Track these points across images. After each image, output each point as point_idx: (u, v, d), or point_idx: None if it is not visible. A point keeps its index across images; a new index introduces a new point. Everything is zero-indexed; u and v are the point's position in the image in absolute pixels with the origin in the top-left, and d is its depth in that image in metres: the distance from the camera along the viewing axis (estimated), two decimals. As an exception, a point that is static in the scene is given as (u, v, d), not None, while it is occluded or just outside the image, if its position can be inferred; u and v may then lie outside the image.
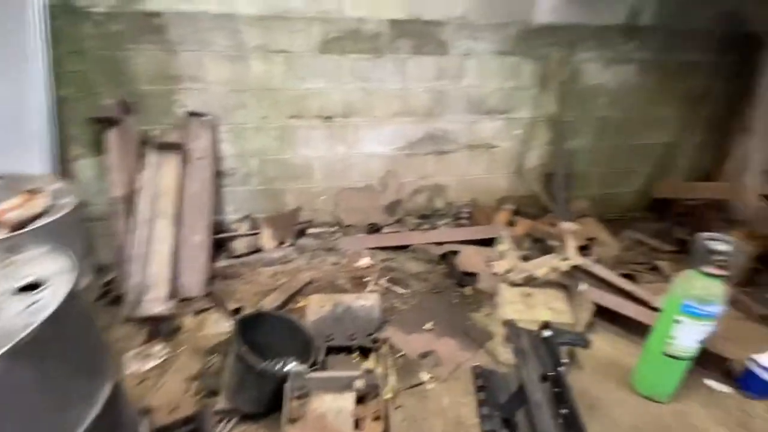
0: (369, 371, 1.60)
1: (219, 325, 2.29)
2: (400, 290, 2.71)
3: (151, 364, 2.01)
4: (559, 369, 1.51)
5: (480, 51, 3.11)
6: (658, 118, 3.68)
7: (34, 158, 2.33)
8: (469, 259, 2.94)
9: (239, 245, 3.00)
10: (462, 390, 1.95)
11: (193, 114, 2.92)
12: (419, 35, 2.99)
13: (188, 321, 2.34)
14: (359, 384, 1.59)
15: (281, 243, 3.15)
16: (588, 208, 3.67)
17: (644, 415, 1.86)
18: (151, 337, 2.16)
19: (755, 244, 2.84)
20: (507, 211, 3.60)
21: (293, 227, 3.22)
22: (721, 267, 1.60)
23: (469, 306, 2.59)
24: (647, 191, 3.97)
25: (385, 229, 3.50)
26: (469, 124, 3.39)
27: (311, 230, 3.42)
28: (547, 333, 1.62)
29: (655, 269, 3.12)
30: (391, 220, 3.58)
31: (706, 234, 1.67)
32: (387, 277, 2.83)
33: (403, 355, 2.14)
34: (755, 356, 1.96)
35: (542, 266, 2.15)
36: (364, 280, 2.81)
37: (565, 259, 2.29)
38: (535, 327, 1.95)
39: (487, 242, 3.23)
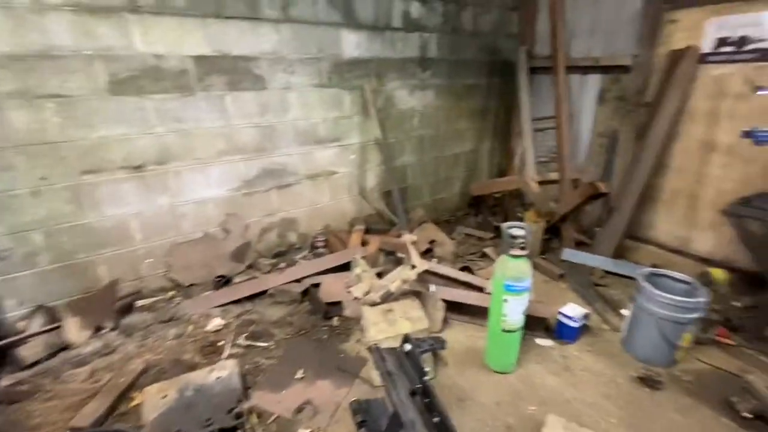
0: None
1: (6, 475, 1.64)
2: (262, 344, 2.46)
3: None
4: (424, 379, 1.57)
5: (299, 84, 3.16)
6: (458, 131, 4.42)
7: None
8: (331, 288, 2.90)
9: (31, 350, 2.25)
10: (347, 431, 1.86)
11: None
12: (232, 71, 2.85)
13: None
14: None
15: (97, 330, 2.49)
16: (424, 215, 4.11)
17: (501, 389, 2.13)
18: None
19: (542, 219, 3.65)
20: (358, 232, 3.72)
21: (111, 306, 2.60)
22: (522, 248, 1.96)
23: (338, 337, 2.53)
24: (466, 192, 4.70)
25: (236, 279, 3.17)
26: (305, 154, 3.39)
27: (140, 302, 2.83)
28: (407, 347, 1.68)
29: (484, 256, 3.70)
30: (242, 267, 3.27)
31: (506, 224, 2.03)
32: (245, 334, 2.54)
33: (276, 418, 1.93)
34: (561, 309, 2.47)
35: (394, 280, 2.26)
36: (219, 344, 2.45)
37: (413, 267, 2.47)
38: (398, 343, 2.03)
39: (346, 267, 3.26)
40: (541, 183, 3.90)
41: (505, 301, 2.03)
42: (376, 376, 2.11)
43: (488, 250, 3.69)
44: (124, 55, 2.45)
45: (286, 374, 2.20)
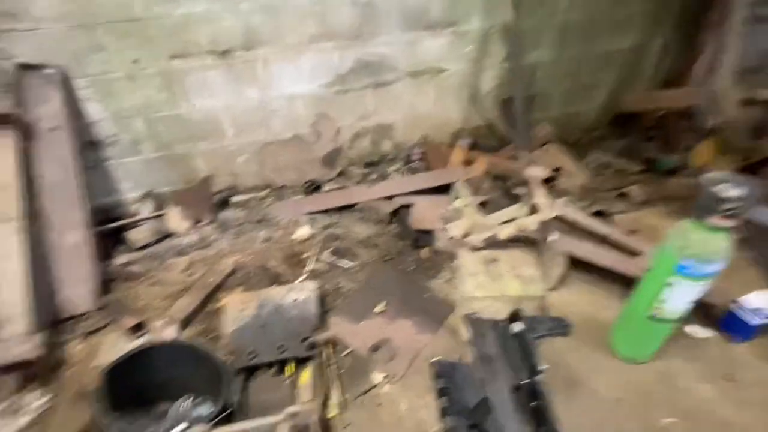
0: (294, 414, 1.22)
1: (117, 350, 1.81)
2: (346, 264, 2.28)
3: (25, 420, 1.54)
4: (535, 377, 1.18)
5: (412, -60, 2.35)
6: (623, 17, 3.14)
7: None
8: (424, 214, 2.51)
9: (141, 234, 2.40)
10: (423, 387, 1.64)
11: (27, 67, 2.10)
12: None
13: (77, 349, 1.84)
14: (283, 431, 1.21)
15: (197, 222, 2.57)
16: (551, 133, 3.25)
17: (626, 383, 1.66)
18: (24, 383, 1.66)
19: (729, 158, 2.58)
20: (463, 148, 3.12)
21: (209, 200, 2.62)
22: (729, 217, 1.24)
23: (426, 272, 2.22)
24: (611, 106, 3.57)
25: (326, 186, 2.96)
26: (409, 44, 2.72)
27: (235, 198, 2.84)
28: (517, 327, 1.27)
29: (623, 196, 2.86)
30: (332, 173, 3.03)
31: (710, 175, 1.29)
32: (330, 249, 2.38)
33: (350, 352, 1.78)
34: (739, 299, 1.75)
35: (507, 226, 1.76)
36: (303, 257, 2.35)
37: (533, 209, 1.91)
38: (502, 306, 1.62)
39: (445, 189, 2.80)
40: (746, 103, 2.67)
41: (669, 285, 1.41)
42: (464, 331, 1.79)
43: (632, 190, 2.82)
44: None
45: (367, 304, 2.01)
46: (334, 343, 1.81)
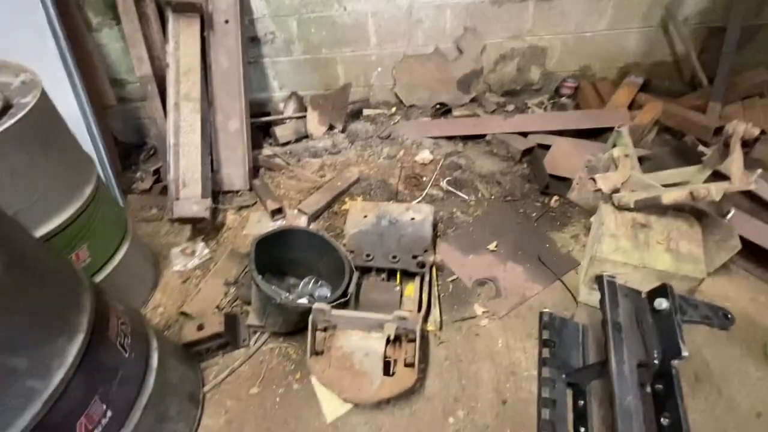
0: (403, 318, 1.31)
1: (261, 225, 2.14)
2: (463, 195, 2.23)
3: (195, 262, 1.98)
4: (672, 361, 1.04)
5: None
6: None
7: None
8: (562, 157, 2.24)
9: (284, 131, 2.65)
10: (522, 332, 1.61)
11: (209, -42, 2.27)
12: None
13: (231, 218, 2.23)
14: (390, 330, 1.32)
15: (331, 128, 2.72)
16: (766, 82, 2.45)
17: (777, 400, 1.38)
18: (195, 234, 2.10)
19: None
20: (631, 87, 2.59)
21: (344, 108, 2.72)
22: None
23: (551, 222, 2.05)
24: None
25: (456, 111, 2.81)
26: (599, -56, 2.19)
27: (366, 111, 2.89)
28: (663, 303, 1.10)
29: None
30: (466, 98, 2.84)
31: None
32: (449, 178, 2.33)
33: (455, 280, 1.81)
34: None
35: (674, 189, 1.45)
36: (423, 179, 2.35)
37: (716, 176, 1.53)
38: (641, 278, 1.42)
39: (594, 134, 2.43)
40: None
41: None
42: (584, 292, 1.65)
43: None
44: None
45: (479, 240, 1.97)
46: (441, 267, 1.85)
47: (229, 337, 1.56)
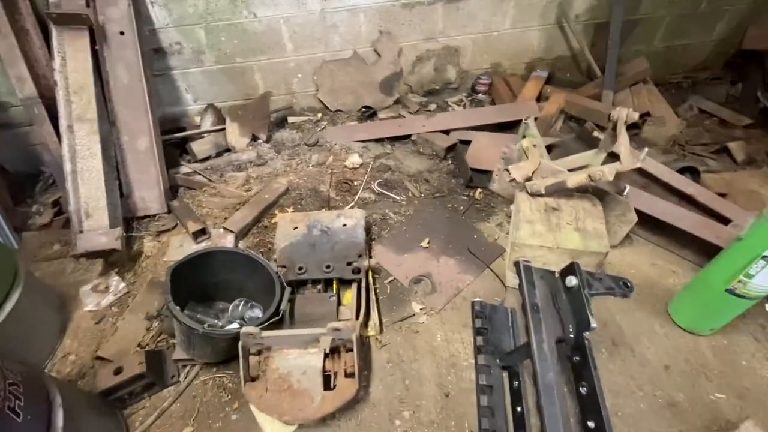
0: (337, 329, 1.29)
1: (183, 249, 1.99)
2: (394, 196, 2.25)
3: (110, 299, 1.79)
4: (582, 333, 1.13)
5: None
6: None
7: None
8: (482, 151, 2.35)
9: (203, 146, 2.50)
10: (459, 323, 1.66)
11: (95, -36, 2.07)
12: None
13: (149, 245, 2.05)
14: (326, 343, 1.29)
15: (254, 139, 2.61)
16: (646, 70, 2.78)
17: (679, 351, 1.56)
18: (107, 269, 1.90)
19: None
20: (537, 80, 2.80)
21: (266, 118, 2.62)
22: None
23: (477, 213, 2.14)
24: (732, 41, 2.95)
25: (381, 114, 2.84)
26: (494, -51, 2.33)
27: (291, 119, 2.82)
28: (572, 281, 1.19)
29: (722, 152, 2.46)
30: (389, 101, 2.88)
31: None
32: (380, 180, 2.35)
33: (392, 281, 1.82)
34: None
35: (577, 173, 1.58)
36: (354, 184, 2.34)
37: (609, 156, 1.70)
38: (556, 258, 1.53)
39: (510, 126, 2.58)
40: None
41: (764, 258, 1.23)
42: (510, 277, 1.75)
43: (734, 146, 2.41)
44: None
45: (412, 238, 2.00)
46: (377, 270, 1.85)
47: (154, 376, 1.43)
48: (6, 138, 2.37)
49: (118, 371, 1.39)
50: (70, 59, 1.96)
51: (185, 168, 2.43)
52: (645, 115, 2.58)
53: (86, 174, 1.87)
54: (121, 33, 2.12)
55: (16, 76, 2.04)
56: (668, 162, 2.21)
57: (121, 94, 2.12)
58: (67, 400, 1.18)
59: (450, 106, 2.88)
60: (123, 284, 1.83)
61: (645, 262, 1.87)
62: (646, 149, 1.57)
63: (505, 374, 1.45)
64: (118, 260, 1.91)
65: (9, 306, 1.42)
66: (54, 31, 1.98)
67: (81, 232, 1.83)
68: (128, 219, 2.08)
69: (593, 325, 1.09)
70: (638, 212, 1.78)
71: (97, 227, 1.82)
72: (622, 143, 1.52)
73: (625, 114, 1.51)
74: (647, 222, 1.89)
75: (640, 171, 2.04)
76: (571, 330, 1.16)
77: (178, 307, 1.27)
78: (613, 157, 1.76)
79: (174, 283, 1.35)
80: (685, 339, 1.60)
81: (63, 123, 1.94)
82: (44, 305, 1.66)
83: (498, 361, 1.44)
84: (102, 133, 1.95)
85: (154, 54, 2.40)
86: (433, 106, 2.87)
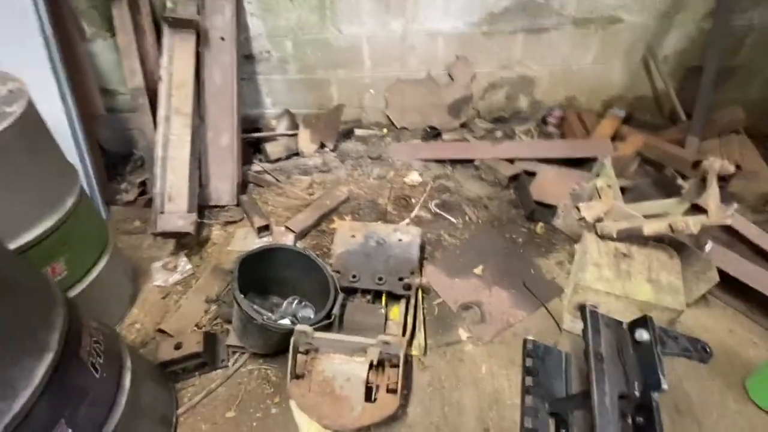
0: (387, 343, 1.29)
1: (246, 242, 2.12)
2: (450, 218, 2.24)
3: (176, 277, 1.94)
4: (651, 392, 1.04)
5: None
6: None
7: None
8: (548, 185, 2.29)
9: (275, 148, 2.66)
10: (506, 359, 1.60)
11: (210, -23, 2.31)
12: None
13: (216, 233, 2.20)
14: (373, 355, 1.30)
15: (321, 146, 2.73)
16: (740, 119, 2.57)
17: (755, 434, 1.39)
18: (178, 249, 2.06)
19: None
20: (614, 119, 2.68)
21: (336, 128, 2.75)
22: None
23: (536, 248, 2.07)
24: None
25: (445, 135, 2.86)
26: (585, -16, 2.31)
27: (358, 132, 2.92)
28: (643, 335, 1.11)
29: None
30: (456, 123, 2.90)
31: None
32: (438, 201, 2.35)
33: (440, 303, 1.81)
34: None
35: (655, 221, 1.49)
36: (411, 200, 2.37)
37: (695, 209, 1.58)
38: (622, 308, 1.44)
39: (579, 163, 2.49)
40: None
41: None
42: (567, 319, 1.66)
43: (842, 214, 2.15)
44: None
45: (465, 263, 1.98)
46: (426, 290, 1.84)
47: (208, 357, 1.52)
48: (109, 121, 2.67)
49: (178, 346, 1.49)
50: (177, 59, 2.19)
51: (257, 166, 2.59)
52: (737, 169, 2.37)
53: (174, 161, 2.06)
54: (222, 39, 2.34)
55: (129, 68, 2.32)
56: (758, 222, 2.02)
57: (213, 94, 2.33)
58: (135, 365, 1.28)
59: (517, 135, 2.84)
60: (189, 266, 1.97)
61: (722, 328, 1.70)
62: (736, 205, 1.45)
63: (551, 421, 1.37)
64: (188, 243, 2.07)
65: (97, 271, 1.58)
66: (166, 33, 2.23)
67: (162, 213, 2.00)
68: (201, 207, 2.25)
69: (664, 386, 1.01)
70: (720, 272, 1.63)
71: (176, 210, 1.99)
72: (712, 195, 1.42)
73: (718, 165, 1.41)
74: (728, 284, 1.73)
75: (726, 228, 1.88)
76: (636, 387, 1.08)
77: (242, 296, 1.34)
78: (695, 209, 1.64)
79: (240, 273, 1.43)
80: (763, 420, 1.42)
81: (161, 113, 2.16)
82: (122, 275, 1.83)
83: (547, 405, 1.37)
84: (193, 127, 2.14)
85: (244, 59, 2.61)
86: (499, 134, 2.84)
